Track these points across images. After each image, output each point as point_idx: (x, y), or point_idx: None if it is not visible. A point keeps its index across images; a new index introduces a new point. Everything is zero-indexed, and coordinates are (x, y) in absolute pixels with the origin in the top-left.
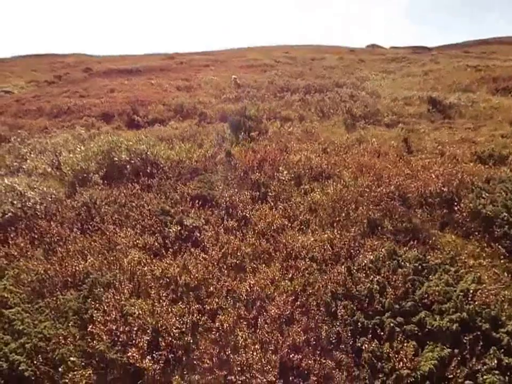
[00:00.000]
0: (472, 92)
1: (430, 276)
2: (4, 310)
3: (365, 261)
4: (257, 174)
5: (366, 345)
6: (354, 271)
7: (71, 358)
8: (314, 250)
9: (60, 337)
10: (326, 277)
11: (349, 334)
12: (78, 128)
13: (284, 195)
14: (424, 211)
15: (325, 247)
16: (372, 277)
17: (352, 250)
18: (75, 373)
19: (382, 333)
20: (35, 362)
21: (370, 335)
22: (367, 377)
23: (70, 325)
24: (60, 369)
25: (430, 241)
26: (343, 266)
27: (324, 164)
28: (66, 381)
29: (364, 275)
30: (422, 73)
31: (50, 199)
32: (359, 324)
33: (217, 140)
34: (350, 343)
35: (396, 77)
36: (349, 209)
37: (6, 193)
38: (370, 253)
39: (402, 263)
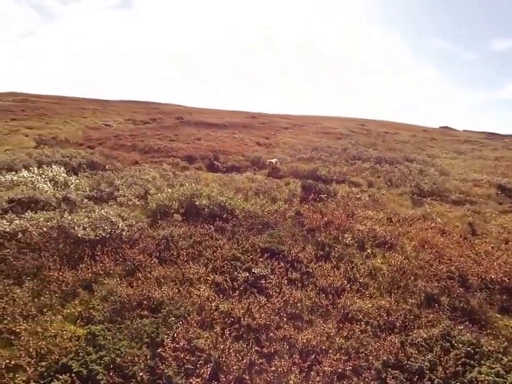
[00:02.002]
0: None
1: (482, 361)
2: (91, 326)
3: (419, 339)
4: (323, 234)
5: None
6: (407, 345)
7: (142, 375)
8: (370, 315)
9: (134, 356)
10: (379, 344)
11: None
12: (165, 165)
13: (346, 257)
14: (483, 294)
15: (381, 314)
16: (424, 354)
17: (407, 322)
18: None
19: None
20: (111, 374)
21: None
22: None
23: (143, 346)
24: (131, 383)
25: (487, 325)
26: (396, 338)
27: (388, 234)
28: None
29: (416, 351)
30: (493, 158)
31: (135, 229)
32: None
33: (289, 196)
34: None
35: (467, 158)
36: (408, 280)
37: (101, 221)
38: (424, 329)
39: (455, 345)
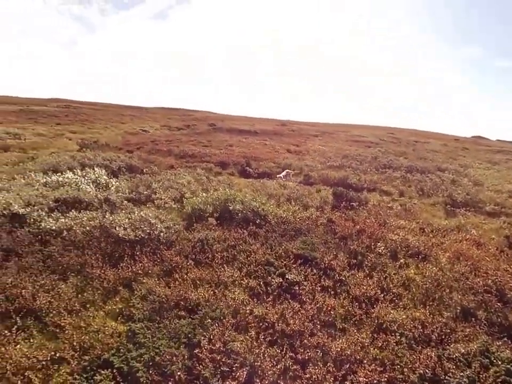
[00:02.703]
0: None
1: None
2: (132, 324)
3: (456, 354)
4: (355, 242)
5: None
6: (444, 360)
7: (179, 374)
8: (405, 326)
9: (173, 355)
10: (415, 357)
11: None
12: (199, 170)
13: (379, 266)
14: None
15: (416, 326)
16: (462, 369)
17: (443, 336)
18: None
19: None
20: (150, 372)
21: None
22: None
23: (181, 346)
24: (170, 382)
25: None
26: (433, 352)
27: (422, 244)
28: None
29: (454, 366)
30: None
31: (172, 231)
32: None
33: (321, 203)
34: None
35: (501, 168)
36: (443, 292)
37: (140, 222)
38: (462, 344)
39: (495, 361)
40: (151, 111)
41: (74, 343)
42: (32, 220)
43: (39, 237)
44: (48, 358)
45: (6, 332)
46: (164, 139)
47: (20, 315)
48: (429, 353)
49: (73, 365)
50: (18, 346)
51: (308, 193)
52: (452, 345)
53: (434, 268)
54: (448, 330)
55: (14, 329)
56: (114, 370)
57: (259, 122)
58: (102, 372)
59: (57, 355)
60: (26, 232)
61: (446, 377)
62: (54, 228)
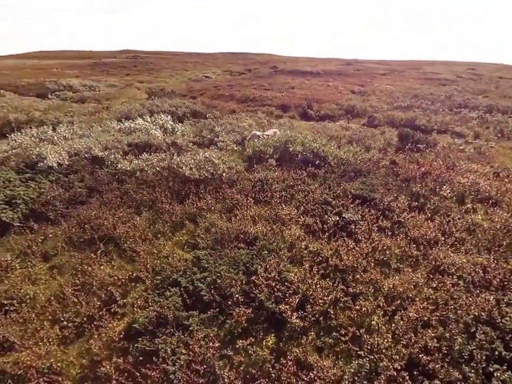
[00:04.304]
0: None
1: None
2: (197, 250)
3: None
4: (418, 185)
5: (499, 373)
6: (503, 304)
7: (237, 296)
8: (464, 270)
9: (232, 279)
10: (471, 299)
11: (483, 357)
12: (260, 114)
13: (442, 210)
14: None
15: (477, 270)
16: None
17: (506, 282)
18: (239, 308)
19: None
20: (212, 292)
21: (505, 366)
22: None
23: (239, 272)
24: (229, 302)
25: None
26: (492, 296)
27: (494, 189)
28: (232, 312)
29: None
30: None
31: (234, 171)
32: (496, 352)
33: (384, 145)
34: (482, 365)
35: None
36: None
37: (204, 162)
38: None
39: None
40: (213, 56)
41: (148, 266)
42: (109, 162)
43: (116, 176)
44: (127, 277)
45: (92, 255)
46: (225, 84)
47: (102, 242)
48: (487, 297)
49: (147, 283)
50: (102, 267)
51: (371, 135)
52: None
53: (505, 214)
54: None
55: (98, 253)
56: (182, 289)
57: (323, 62)
58: (171, 289)
59: (134, 275)
60: (106, 173)
61: (503, 321)
62: (128, 168)
